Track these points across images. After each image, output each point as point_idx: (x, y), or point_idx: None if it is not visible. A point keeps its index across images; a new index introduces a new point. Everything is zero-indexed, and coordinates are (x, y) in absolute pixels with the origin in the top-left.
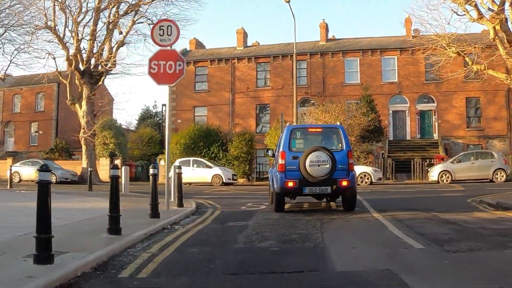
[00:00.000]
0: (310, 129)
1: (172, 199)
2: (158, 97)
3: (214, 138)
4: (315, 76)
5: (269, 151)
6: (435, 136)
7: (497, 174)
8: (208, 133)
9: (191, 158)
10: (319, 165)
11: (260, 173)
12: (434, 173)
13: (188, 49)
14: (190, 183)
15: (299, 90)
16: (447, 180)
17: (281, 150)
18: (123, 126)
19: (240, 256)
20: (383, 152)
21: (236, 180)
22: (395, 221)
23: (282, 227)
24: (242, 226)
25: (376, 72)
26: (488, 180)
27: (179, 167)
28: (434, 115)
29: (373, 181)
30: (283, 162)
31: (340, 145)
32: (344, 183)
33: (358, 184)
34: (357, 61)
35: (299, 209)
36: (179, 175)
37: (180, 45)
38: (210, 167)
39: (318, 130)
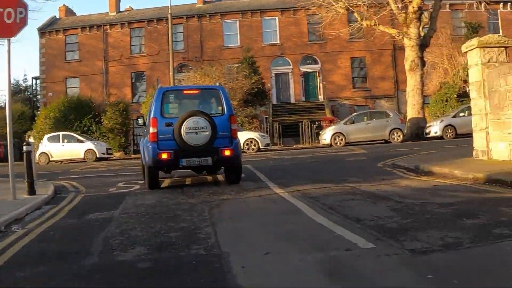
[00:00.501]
0: (185, 91)
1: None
2: (28, 69)
3: (86, 109)
4: (192, 40)
5: (139, 119)
6: (321, 98)
7: (394, 134)
8: (79, 105)
9: (61, 133)
10: (197, 133)
11: (137, 146)
12: (326, 136)
13: (57, 16)
14: (61, 161)
15: (176, 56)
16: (340, 143)
17: (151, 116)
18: None
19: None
20: (267, 116)
21: (111, 154)
22: (308, 200)
23: (158, 219)
24: (105, 220)
25: (256, 34)
26: (384, 141)
27: (28, 144)
28: (319, 76)
29: (261, 147)
30: (155, 131)
31: (220, 108)
32: (227, 152)
33: (245, 152)
34: (237, 23)
35: (180, 186)
36: (27, 154)
37: (49, 13)
38: (82, 141)
39: (194, 92)
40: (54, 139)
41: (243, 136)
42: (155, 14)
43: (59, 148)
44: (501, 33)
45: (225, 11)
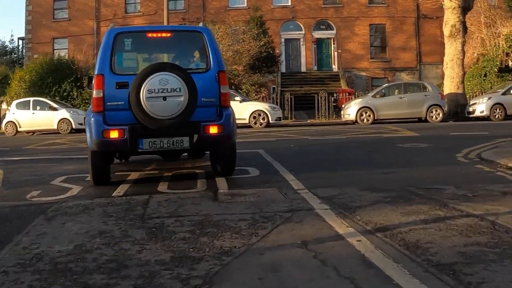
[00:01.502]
0: (150, 34)
1: None
2: (16, 29)
3: (66, 72)
4: (194, 0)
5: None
6: (335, 67)
7: (432, 112)
8: (59, 66)
9: (31, 99)
10: (165, 98)
11: None
12: (351, 110)
13: None
14: (32, 132)
15: (175, 16)
16: (368, 120)
17: (96, 72)
18: None
19: None
20: (275, 86)
21: None
22: (437, 275)
23: None
24: None
25: None
26: (418, 119)
27: None
28: (333, 44)
29: (271, 121)
30: (101, 95)
31: (205, 61)
32: (214, 129)
33: (251, 127)
34: None
35: (149, 189)
36: None
37: None
38: (56, 109)
39: (164, 35)
40: (24, 106)
41: (249, 108)
42: None
43: (29, 117)
44: None
45: None
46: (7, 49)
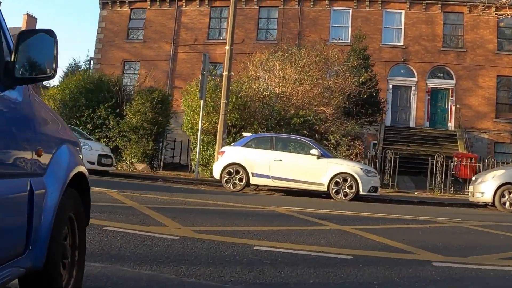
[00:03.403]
0: None
1: None
2: (92, 49)
3: (105, 94)
4: (288, 29)
5: None
6: (451, 125)
7: None
8: (98, 86)
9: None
10: None
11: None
12: (486, 188)
13: None
14: None
15: (266, 46)
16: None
17: None
18: None
19: None
20: (375, 141)
21: (110, 165)
22: None
23: None
24: None
25: (374, 30)
26: None
27: None
28: (451, 96)
29: (362, 192)
30: None
31: None
32: None
33: (330, 197)
34: (349, 13)
35: None
36: None
37: None
38: None
39: None
40: None
41: (330, 168)
42: None
43: None
44: None
45: None
46: (80, 69)
